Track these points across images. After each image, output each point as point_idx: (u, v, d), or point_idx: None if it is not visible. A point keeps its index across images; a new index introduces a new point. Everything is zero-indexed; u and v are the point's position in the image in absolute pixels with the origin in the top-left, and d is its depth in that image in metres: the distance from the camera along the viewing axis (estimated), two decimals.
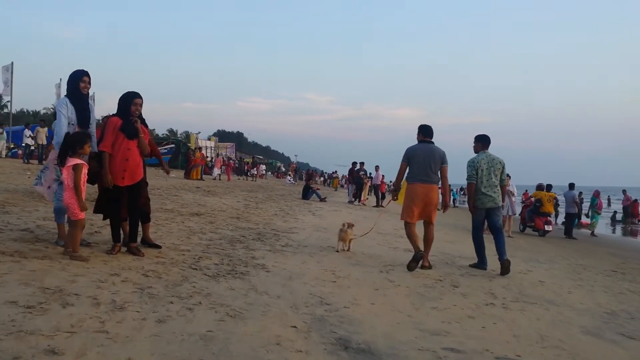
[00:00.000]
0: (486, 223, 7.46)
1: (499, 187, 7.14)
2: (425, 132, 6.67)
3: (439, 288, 5.48)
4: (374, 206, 20.79)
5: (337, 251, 7.11)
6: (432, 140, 6.67)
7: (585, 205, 24.74)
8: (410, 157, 6.52)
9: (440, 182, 6.72)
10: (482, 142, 7.34)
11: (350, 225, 7.30)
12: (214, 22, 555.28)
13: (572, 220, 17.14)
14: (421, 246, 6.52)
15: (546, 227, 15.86)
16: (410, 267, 6.26)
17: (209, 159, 51.56)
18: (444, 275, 6.28)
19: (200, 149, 28.90)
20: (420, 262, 6.41)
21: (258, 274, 4.92)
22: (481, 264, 7.18)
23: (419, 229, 6.78)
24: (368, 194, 23.91)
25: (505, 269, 6.81)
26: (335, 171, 56.55)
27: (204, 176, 26.68)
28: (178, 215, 8.84)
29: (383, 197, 22.54)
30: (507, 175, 13.67)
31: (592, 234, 18.79)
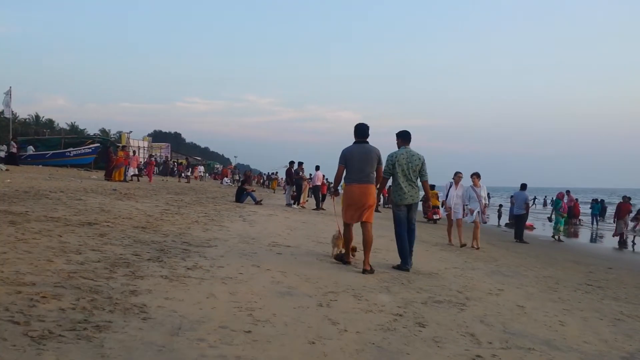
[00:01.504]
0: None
1: (417, 183, 7.08)
2: (359, 132, 6.61)
3: (401, 330, 3.88)
4: (313, 209, 19.22)
5: (332, 258, 7.05)
6: (367, 140, 6.62)
7: (543, 208, 24.22)
8: (347, 158, 6.49)
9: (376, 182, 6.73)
10: (402, 137, 7.22)
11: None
12: (152, 19, 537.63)
13: (522, 223, 16.18)
14: (360, 254, 6.69)
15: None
16: (335, 257, 6.73)
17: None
18: (402, 305, 4.72)
19: (124, 147, 26.35)
20: (362, 268, 6.29)
21: (127, 324, 3.12)
22: (404, 264, 6.94)
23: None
24: (308, 196, 22.31)
25: (404, 268, 6.82)
26: (276, 172, 54.31)
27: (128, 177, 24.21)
28: (61, 226, 6.86)
29: (323, 199, 21.00)
30: (476, 174, 11.66)
31: (559, 239, 17.88)
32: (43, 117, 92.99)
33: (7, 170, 20.48)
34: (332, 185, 17.01)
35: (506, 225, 25.87)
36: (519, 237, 15.73)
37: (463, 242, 11.62)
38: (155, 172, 38.99)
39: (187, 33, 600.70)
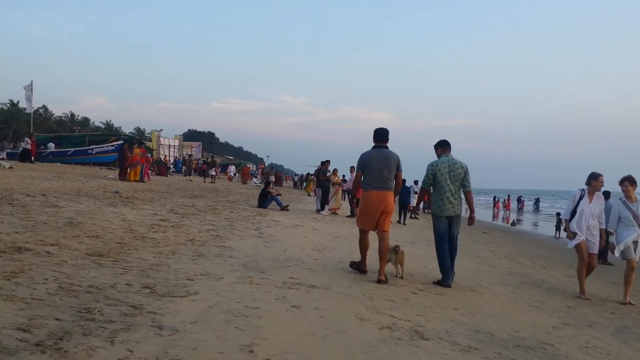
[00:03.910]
0: None
1: (460, 194, 6.53)
2: (378, 137, 6.35)
3: None
4: (347, 216, 16.53)
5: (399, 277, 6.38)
6: (387, 145, 6.35)
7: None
8: (365, 163, 6.25)
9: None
10: (442, 146, 6.70)
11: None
12: (190, 21, 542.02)
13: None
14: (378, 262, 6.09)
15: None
16: (351, 265, 6.41)
17: (165, 157, 46.84)
18: None
19: (141, 144, 24.29)
20: (377, 277, 5.91)
21: None
22: (444, 280, 6.30)
23: None
24: (342, 199, 19.69)
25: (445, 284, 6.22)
26: (309, 173, 49.84)
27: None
28: None
29: (358, 204, 18.26)
30: (629, 179, 7.11)
31: None
32: (78, 115, 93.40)
33: (10, 168, 18.57)
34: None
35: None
36: (603, 257, 12.68)
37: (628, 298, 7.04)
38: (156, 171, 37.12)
39: (224, 35, 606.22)
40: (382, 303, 4.91)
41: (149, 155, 28.86)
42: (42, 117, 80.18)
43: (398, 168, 6.21)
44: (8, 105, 74.88)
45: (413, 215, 20.27)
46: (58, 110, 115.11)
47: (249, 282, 5.03)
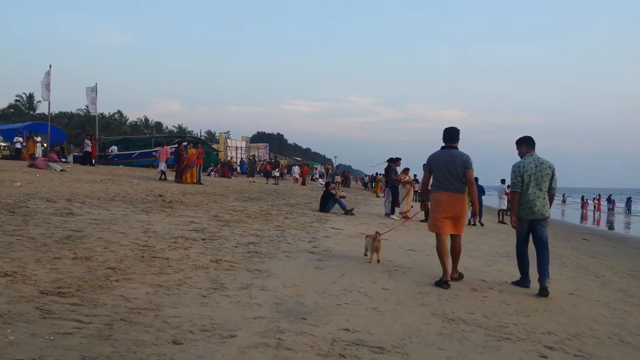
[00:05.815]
0: None
1: (546, 195, 5.94)
2: (446, 137, 6.03)
3: None
4: (421, 221, 14.27)
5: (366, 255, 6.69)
6: (456, 145, 6.01)
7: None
8: (432, 165, 6.03)
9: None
10: (526, 143, 6.16)
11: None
12: (258, 26, 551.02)
13: None
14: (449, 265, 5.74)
15: None
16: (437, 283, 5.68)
17: (232, 158, 46.19)
18: None
19: (198, 144, 23.11)
20: (450, 276, 5.69)
21: None
22: (523, 281, 6.06)
23: None
24: (413, 201, 17.45)
25: (543, 292, 5.62)
26: (378, 172, 45.07)
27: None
28: None
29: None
30: None
31: None
32: (152, 120, 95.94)
33: (62, 171, 17.79)
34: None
35: None
36: None
37: None
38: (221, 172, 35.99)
39: (291, 38, 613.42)
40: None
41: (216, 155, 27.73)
42: (117, 121, 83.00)
43: (467, 166, 5.81)
44: (84, 111, 77.95)
45: (501, 220, 17.87)
46: (133, 115, 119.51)
47: (276, 344, 3.10)
